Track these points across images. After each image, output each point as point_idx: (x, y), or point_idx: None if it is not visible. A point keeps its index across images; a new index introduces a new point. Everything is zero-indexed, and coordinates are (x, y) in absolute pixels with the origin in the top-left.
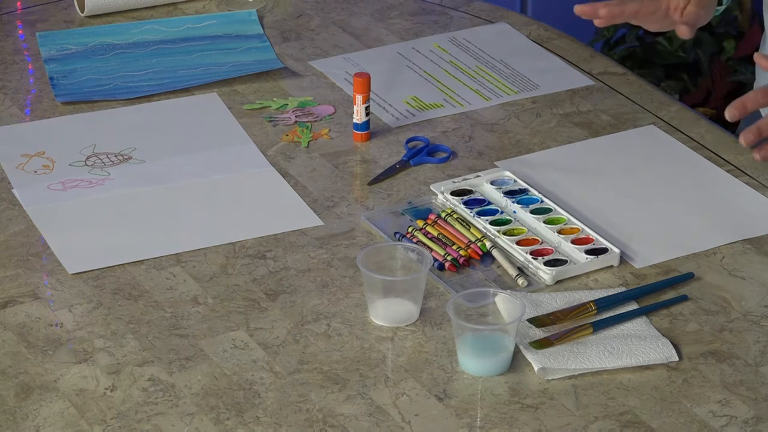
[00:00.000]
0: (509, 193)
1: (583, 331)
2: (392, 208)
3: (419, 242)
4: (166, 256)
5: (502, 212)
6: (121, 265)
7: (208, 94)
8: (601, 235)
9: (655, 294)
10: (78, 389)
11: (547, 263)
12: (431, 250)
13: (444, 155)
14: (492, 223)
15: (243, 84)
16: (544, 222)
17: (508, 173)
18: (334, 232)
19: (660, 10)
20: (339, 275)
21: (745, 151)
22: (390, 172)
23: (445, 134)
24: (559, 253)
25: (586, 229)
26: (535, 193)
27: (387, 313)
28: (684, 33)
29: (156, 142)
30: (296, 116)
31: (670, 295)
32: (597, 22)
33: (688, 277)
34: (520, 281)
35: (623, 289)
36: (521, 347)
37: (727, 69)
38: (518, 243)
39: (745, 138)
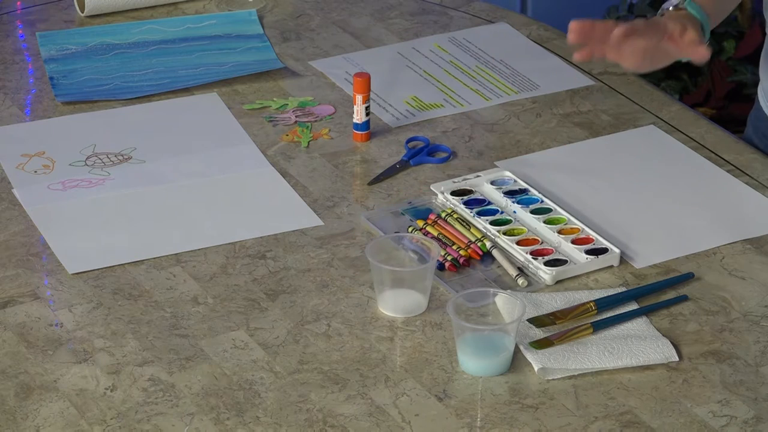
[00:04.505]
0: (509, 193)
1: (583, 331)
2: (392, 208)
3: (419, 242)
4: (166, 256)
5: (502, 212)
6: (121, 265)
7: (208, 94)
8: (601, 235)
9: (655, 294)
10: (78, 389)
11: (547, 263)
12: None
13: (444, 155)
14: (492, 223)
15: (243, 84)
16: (544, 222)
17: (508, 173)
18: (334, 232)
19: (662, 39)
20: (339, 275)
21: (745, 151)
22: (390, 172)
23: (445, 134)
24: (559, 253)
25: (586, 229)
26: (535, 193)
27: (396, 303)
28: (701, 55)
29: (156, 142)
30: (296, 116)
31: (670, 295)
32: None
33: (688, 277)
34: (520, 281)
35: (623, 289)
36: (521, 347)
37: (727, 69)
38: (518, 243)
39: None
